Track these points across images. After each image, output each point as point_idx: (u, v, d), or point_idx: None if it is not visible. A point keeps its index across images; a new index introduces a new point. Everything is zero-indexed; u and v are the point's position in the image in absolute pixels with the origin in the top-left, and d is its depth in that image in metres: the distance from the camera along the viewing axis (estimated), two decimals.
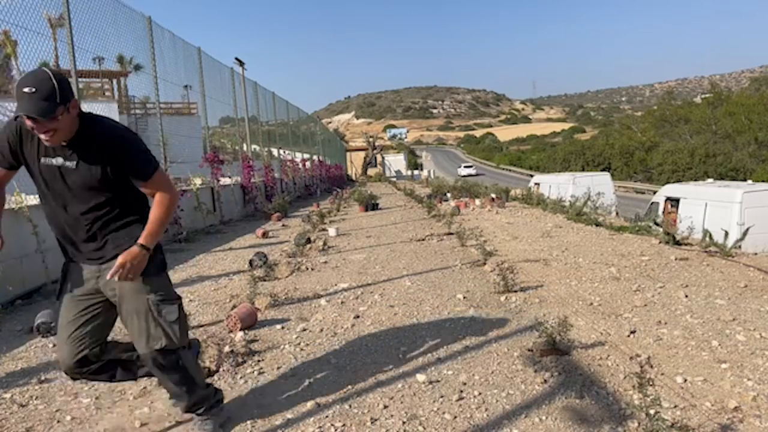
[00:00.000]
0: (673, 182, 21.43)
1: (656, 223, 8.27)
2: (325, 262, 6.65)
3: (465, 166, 69.10)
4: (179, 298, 2.40)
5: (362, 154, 53.31)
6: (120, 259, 2.14)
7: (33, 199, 5.32)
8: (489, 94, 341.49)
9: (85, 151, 2.16)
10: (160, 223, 2.25)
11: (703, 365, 3.08)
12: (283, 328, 4.09)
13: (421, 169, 57.89)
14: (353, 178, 43.92)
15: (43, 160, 2.18)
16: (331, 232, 9.31)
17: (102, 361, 2.39)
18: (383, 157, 56.10)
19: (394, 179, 42.35)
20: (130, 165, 2.22)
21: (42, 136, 2.07)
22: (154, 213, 2.26)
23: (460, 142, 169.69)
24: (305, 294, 5.10)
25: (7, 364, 3.61)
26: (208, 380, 3.12)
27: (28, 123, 2.04)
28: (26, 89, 1.98)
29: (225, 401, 2.67)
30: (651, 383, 2.31)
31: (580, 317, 4.01)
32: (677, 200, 12.12)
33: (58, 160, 2.17)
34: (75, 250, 2.30)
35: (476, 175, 59.60)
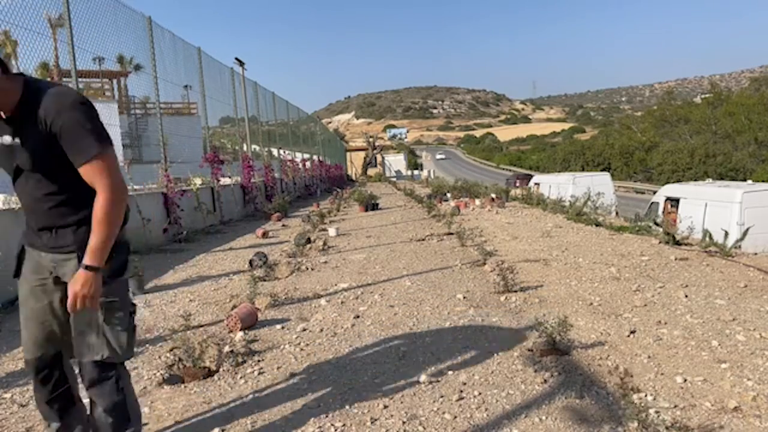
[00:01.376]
0: (673, 182, 21.45)
1: (656, 223, 8.27)
2: (325, 262, 6.65)
3: (438, 154, 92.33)
4: (134, 306, 2.13)
5: (362, 154, 53.28)
6: (70, 290, 1.88)
7: None
8: (489, 94, 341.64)
9: (29, 126, 1.89)
10: (106, 232, 1.88)
11: (703, 365, 3.08)
12: (283, 328, 4.09)
13: (421, 169, 58.06)
14: (353, 178, 43.90)
15: None
16: (331, 232, 9.31)
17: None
18: (383, 157, 56.10)
19: (394, 179, 42.36)
20: (69, 140, 1.87)
21: None
22: (95, 220, 1.88)
23: (460, 142, 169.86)
24: (305, 294, 5.11)
25: (7, 364, 3.61)
26: (208, 380, 3.12)
27: None
28: None
29: (225, 401, 2.65)
30: (636, 391, 2.32)
31: (580, 317, 4.02)
32: (677, 200, 12.13)
33: (6, 139, 1.92)
34: (35, 236, 2.05)
35: (446, 158, 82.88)
